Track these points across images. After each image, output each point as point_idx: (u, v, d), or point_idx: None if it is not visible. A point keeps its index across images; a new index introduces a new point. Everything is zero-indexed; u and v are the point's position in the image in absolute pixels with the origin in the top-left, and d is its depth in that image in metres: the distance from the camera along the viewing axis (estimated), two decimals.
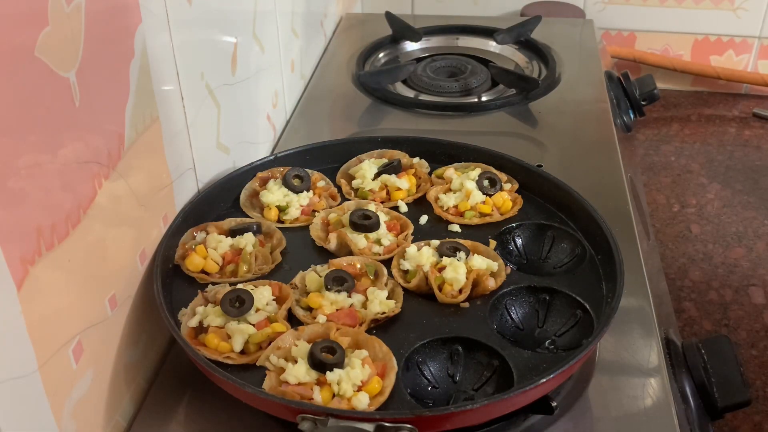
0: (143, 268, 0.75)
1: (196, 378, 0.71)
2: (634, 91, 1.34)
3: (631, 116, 1.34)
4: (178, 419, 0.71)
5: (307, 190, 0.89)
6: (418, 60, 1.35)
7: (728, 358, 0.81)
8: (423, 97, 1.25)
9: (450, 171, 0.92)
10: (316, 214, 0.87)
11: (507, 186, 0.91)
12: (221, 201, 0.89)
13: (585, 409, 0.72)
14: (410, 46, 1.41)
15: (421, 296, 0.77)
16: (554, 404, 0.67)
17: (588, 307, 0.75)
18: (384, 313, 0.74)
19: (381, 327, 0.73)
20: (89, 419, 0.65)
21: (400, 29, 1.40)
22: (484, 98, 1.24)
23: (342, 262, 0.79)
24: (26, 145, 0.54)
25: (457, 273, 0.76)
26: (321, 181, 0.93)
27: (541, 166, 0.93)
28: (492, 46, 1.40)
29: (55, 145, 0.58)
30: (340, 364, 0.66)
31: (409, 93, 1.27)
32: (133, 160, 0.70)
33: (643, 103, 1.35)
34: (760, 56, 1.63)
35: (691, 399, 0.78)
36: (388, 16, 1.40)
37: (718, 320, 1.13)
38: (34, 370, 0.56)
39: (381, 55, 1.38)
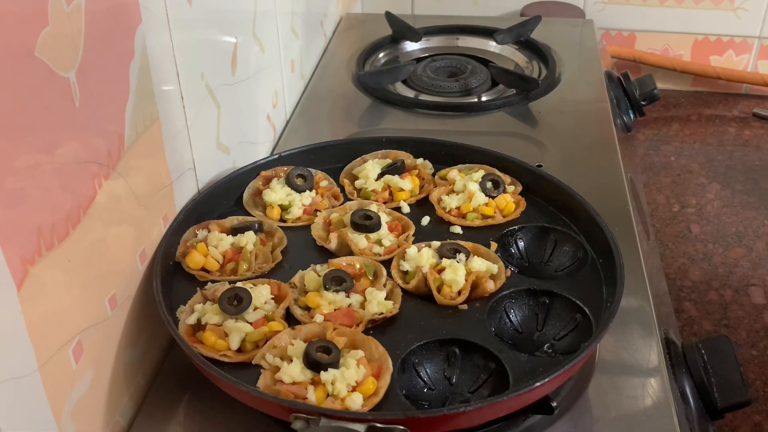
0: (143, 268, 0.75)
1: (196, 378, 0.71)
2: (634, 91, 1.34)
3: (631, 116, 1.34)
4: (178, 419, 0.71)
5: (310, 190, 0.89)
6: (418, 60, 1.35)
7: (728, 358, 0.81)
8: (423, 97, 1.25)
9: (453, 172, 0.92)
10: (318, 213, 0.87)
11: (510, 188, 0.90)
12: (224, 199, 0.89)
13: (585, 409, 0.72)
14: (410, 46, 1.41)
15: (419, 297, 0.77)
16: (554, 404, 0.67)
17: (587, 311, 0.74)
18: (382, 313, 0.74)
19: (378, 328, 0.73)
20: (89, 419, 0.65)
21: (400, 29, 1.40)
22: (484, 98, 1.24)
23: (341, 262, 0.79)
24: (26, 145, 0.54)
25: (456, 275, 0.76)
26: (324, 181, 0.93)
27: (540, 166, 0.93)
28: (492, 46, 1.40)
29: (55, 144, 0.58)
30: (334, 364, 0.66)
31: (409, 93, 1.27)
32: (133, 160, 0.70)
33: (643, 103, 1.35)
34: (760, 56, 1.63)
35: (691, 399, 0.78)
36: (388, 16, 1.40)
37: (718, 320, 1.13)
38: (34, 370, 0.56)
39: (381, 55, 1.38)
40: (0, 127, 0.51)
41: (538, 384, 0.64)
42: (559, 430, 0.69)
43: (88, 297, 0.64)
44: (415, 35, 1.40)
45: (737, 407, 0.80)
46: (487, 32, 1.40)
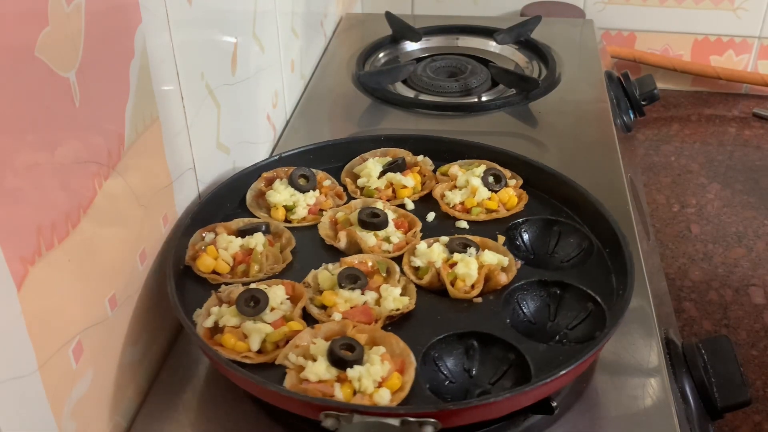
0: (143, 268, 0.75)
1: (196, 378, 0.72)
2: (634, 91, 1.34)
3: (631, 116, 1.34)
4: (179, 419, 0.71)
5: (313, 190, 0.89)
6: (418, 60, 1.35)
7: (728, 358, 0.81)
8: (423, 97, 1.25)
9: (455, 168, 0.92)
10: (324, 213, 0.87)
11: (512, 182, 0.91)
12: (228, 202, 0.89)
13: (585, 409, 0.72)
14: (410, 46, 1.41)
15: (433, 292, 0.77)
16: (554, 404, 0.67)
17: (599, 299, 0.75)
18: (398, 309, 0.74)
19: (396, 324, 0.74)
20: (89, 419, 0.65)
21: (400, 29, 1.40)
22: (484, 98, 1.24)
23: (353, 260, 0.79)
24: (26, 145, 0.54)
25: (469, 269, 0.76)
26: (327, 180, 0.93)
27: None
28: (492, 46, 1.40)
29: (55, 144, 0.58)
30: (359, 361, 0.66)
31: (409, 93, 1.27)
32: (133, 160, 0.70)
33: (643, 103, 1.35)
34: (760, 56, 1.63)
35: (691, 399, 0.78)
36: (388, 16, 1.40)
37: (718, 320, 1.13)
38: (34, 370, 0.56)
39: (381, 55, 1.38)
40: (0, 127, 0.51)
41: (564, 371, 0.64)
42: (559, 430, 0.69)
43: (88, 297, 0.64)
44: (415, 35, 1.40)
45: (737, 407, 0.80)
46: (487, 32, 1.40)
